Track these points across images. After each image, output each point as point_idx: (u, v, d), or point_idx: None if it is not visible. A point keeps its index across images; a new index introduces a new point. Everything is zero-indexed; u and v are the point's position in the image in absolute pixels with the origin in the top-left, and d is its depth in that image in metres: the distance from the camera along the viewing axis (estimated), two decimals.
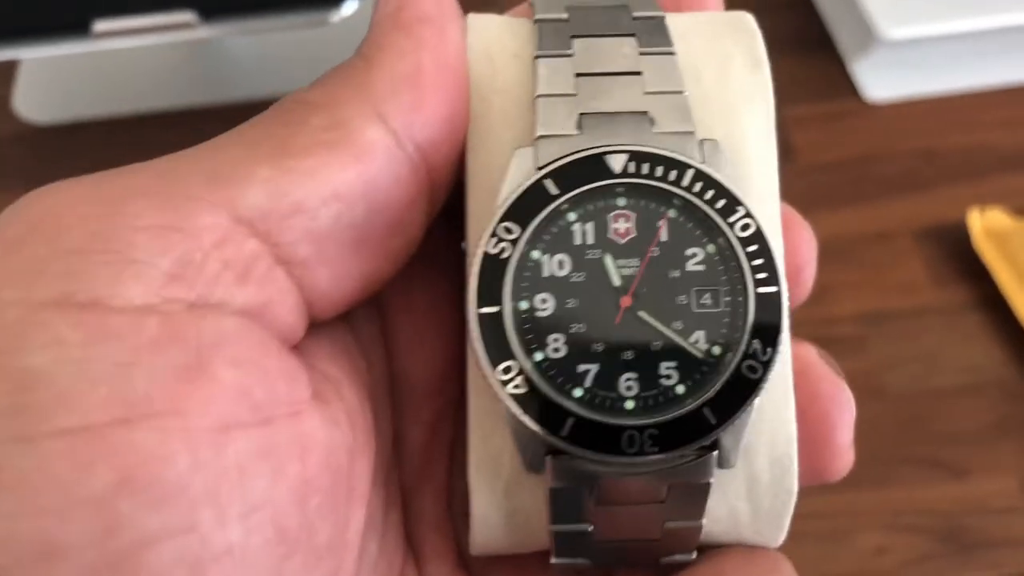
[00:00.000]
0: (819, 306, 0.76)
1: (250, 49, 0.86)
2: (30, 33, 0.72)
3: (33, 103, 0.80)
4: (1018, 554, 0.65)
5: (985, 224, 0.77)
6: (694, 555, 0.35)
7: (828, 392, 0.35)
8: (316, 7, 0.72)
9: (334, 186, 0.31)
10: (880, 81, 0.88)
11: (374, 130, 0.32)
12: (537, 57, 0.35)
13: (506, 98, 0.35)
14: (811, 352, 0.36)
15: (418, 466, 0.38)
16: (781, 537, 0.35)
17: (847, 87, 0.88)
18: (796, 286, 0.37)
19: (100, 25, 0.73)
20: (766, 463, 0.34)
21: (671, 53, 0.35)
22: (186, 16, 0.74)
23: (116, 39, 0.73)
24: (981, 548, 0.65)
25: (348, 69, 0.33)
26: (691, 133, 0.33)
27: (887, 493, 0.67)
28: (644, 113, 0.33)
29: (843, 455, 0.35)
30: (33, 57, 0.77)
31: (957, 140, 0.85)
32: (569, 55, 0.35)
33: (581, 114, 0.33)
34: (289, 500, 0.29)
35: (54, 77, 0.82)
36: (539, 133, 0.33)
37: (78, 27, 0.73)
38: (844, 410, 0.35)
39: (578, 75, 0.34)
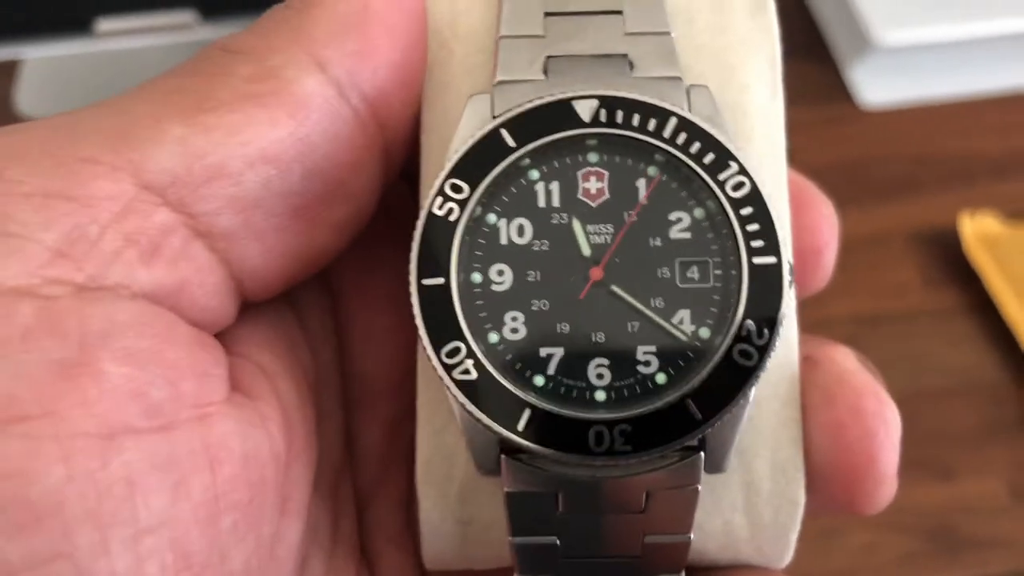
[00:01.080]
0: (812, 307, 0.70)
1: None
2: (33, 32, 0.68)
3: (35, 101, 0.75)
4: (1003, 553, 0.61)
5: (976, 229, 0.73)
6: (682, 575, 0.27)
7: (872, 408, 0.26)
8: None
9: (262, 146, 0.24)
10: (875, 86, 0.83)
11: (311, 80, 0.25)
12: None
13: (468, 44, 0.28)
14: (850, 357, 0.28)
15: (375, 471, 0.30)
16: (787, 556, 0.27)
17: (842, 92, 0.83)
18: (815, 270, 0.30)
19: (103, 24, 0.68)
20: (767, 469, 0.26)
21: None
22: (187, 16, 0.69)
23: (118, 39, 0.69)
24: (967, 547, 0.62)
25: (283, 10, 0.26)
26: (677, 79, 0.26)
27: None
28: (623, 56, 0.26)
29: (886, 483, 0.26)
30: (36, 56, 0.72)
31: (950, 146, 0.83)
32: None
33: (548, 57, 0.26)
34: (194, 520, 0.22)
35: (56, 76, 0.76)
36: (498, 78, 0.26)
37: (80, 26, 0.68)
38: (891, 430, 0.26)
39: (548, 14, 0.27)
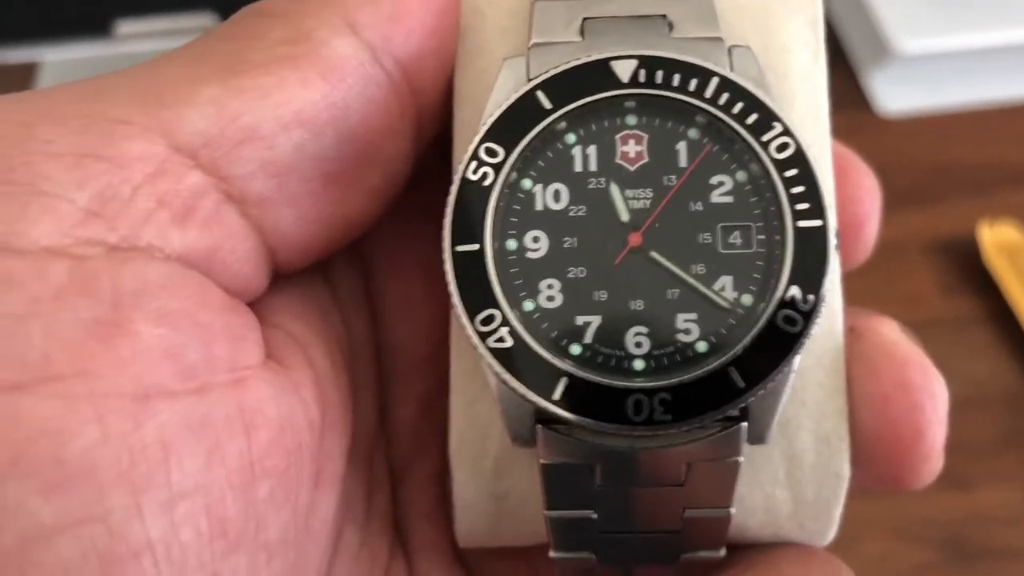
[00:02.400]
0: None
1: None
2: (51, 34, 0.68)
3: None
4: (1020, 564, 0.61)
5: (995, 238, 0.73)
6: (723, 552, 0.26)
7: (919, 381, 0.26)
8: None
9: (295, 109, 0.23)
10: (893, 95, 0.84)
11: (344, 43, 0.24)
12: None
13: (501, 8, 0.27)
14: (894, 329, 0.27)
15: (408, 446, 0.30)
16: (831, 533, 0.26)
17: (860, 100, 0.84)
18: (856, 243, 0.29)
19: (122, 27, 0.68)
20: (810, 441, 0.25)
21: None
22: (206, 19, 0.68)
23: (137, 41, 0.68)
24: (982, 558, 0.61)
25: None
26: (718, 39, 0.25)
27: (891, 502, 0.62)
28: (663, 17, 0.25)
29: (932, 458, 0.26)
30: (54, 59, 0.71)
31: (969, 154, 0.81)
32: None
33: (585, 18, 0.25)
34: (229, 485, 0.22)
35: (75, 78, 0.73)
36: (534, 40, 0.25)
37: (100, 28, 0.68)
38: (938, 403, 0.26)
39: None
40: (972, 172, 0.79)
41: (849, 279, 0.77)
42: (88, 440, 0.19)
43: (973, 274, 0.72)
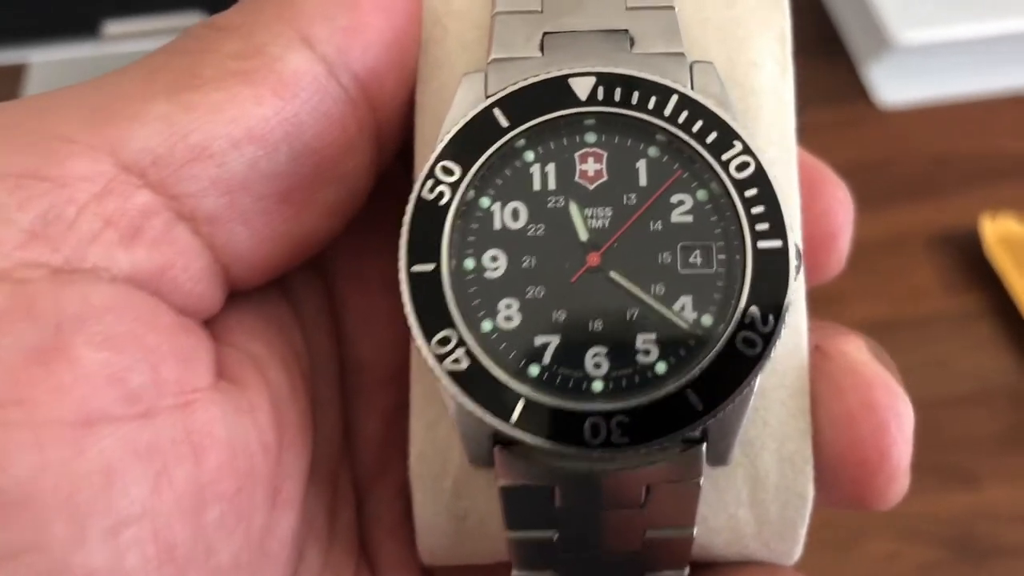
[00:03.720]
0: (828, 313, 0.68)
1: None
2: (39, 35, 0.68)
3: None
4: None
5: (997, 230, 0.73)
6: (686, 572, 0.26)
7: (884, 401, 0.25)
8: None
9: (247, 125, 0.23)
10: (893, 86, 0.81)
11: (298, 58, 0.24)
12: None
13: (464, 21, 0.27)
14: (861, 348, 0.27)
15: (373, 462, 0.29)
16: (796, 552, 0.26)
17: (859, 92, 0.81)
18: (829, 255, 0.29)
19: (110, 27, 0.68)
20: (773, 462, 0.25)
21: None
22: (195, 18, 0.67)
23: (125, 41, 0.68)
24: (991, 556, 0.60)
25: None
26: (680, 55, 0.25)
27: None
28: (624, 32, 0.25)
29: (898, 478, 0.25)
30: (42, 60, 0.71)
31: (970, 146, 0.81)
32: None
33: (546, 33, 0.25)
34: (177, 510, 0.21)
35: (63, 79, 0.73)
36: (493, 56, 0.25)
37: (87, 29, 0.68)
38: (903, 423, 0.25)
39: None
40: (973, 164, 0.79)
41: (850, 275, 0.77)
42: (26, 468, 0.19)
43: (975, 267, 0.71)
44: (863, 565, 0.60)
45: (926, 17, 0.78)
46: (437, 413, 0.26)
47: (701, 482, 0.23)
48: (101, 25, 0.67)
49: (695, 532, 0.24)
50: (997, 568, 0.60)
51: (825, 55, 0.85)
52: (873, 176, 0.78)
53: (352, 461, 0.29)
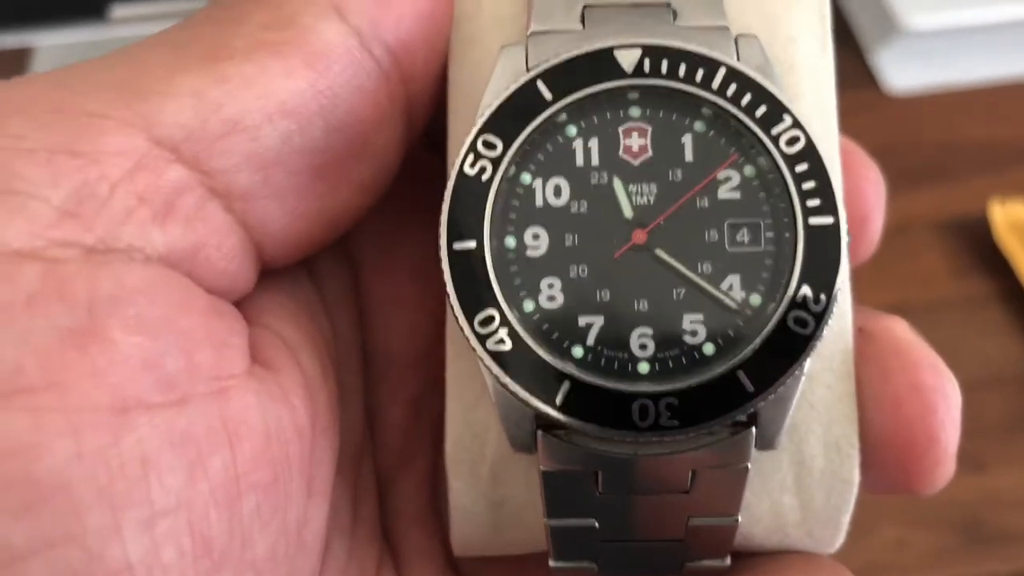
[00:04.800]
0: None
1: None
2: (46, 18, 0.67)
3: None
4: None
5: (1007, 216, 0.72)
6: (727, 562, 0.25)
7: (932, 383, 0.24)
8: None
9: (281, 98, 0.22)
10: (901, 72, 0.81)
11: (331, 28, 0.23)
12: None
13: None
14: (905, 328, 0.26)
15: (397, 450, 0.29)
16: (838, 541, 0.25)
17: (867, 78, 0.80)
18: (861, 238, 0.28)
19: (117, 11, 0.67)
20: (819, 447, 0.25)
21: None
22: (200, 2, 0.66)
23: (132, 25, 0.67)
24: (999, 541, 0.60)
25: None
26: (724, 28, 0.24)
27: None
28: (666, 5, 0.24)
29: (946, 462, 0.25)
30: (49, 43, 0.70)
31: (979, 131, 0.80)
32: None
33: (586, 6, 0.24)
34: (213, 501, 0.21)
35: (69, 62, 0.73)
36: (533, 29, 0.24)
37: (94, 12, 0.67)
38: (951, 405, 0.25)
39: None
40: (982, 150, 0.78)
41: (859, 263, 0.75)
42: (62, 456, 0.18)
43: (984, 253, 0.71)
44: (872, 551, 0.59)
45: (934, 3, 0.77)
46: (475, 396, 0.25)
47: (749, 467, 0.23)
48: (108, 8, 0.66)
49: (739, 520, 0.24)
50: (1005, 553, 0.59)
51: (833, 41, 0.83)
52: (881, 162, 0.75)
53: (375, 450, 0.29)
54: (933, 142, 0.78)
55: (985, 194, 0.72)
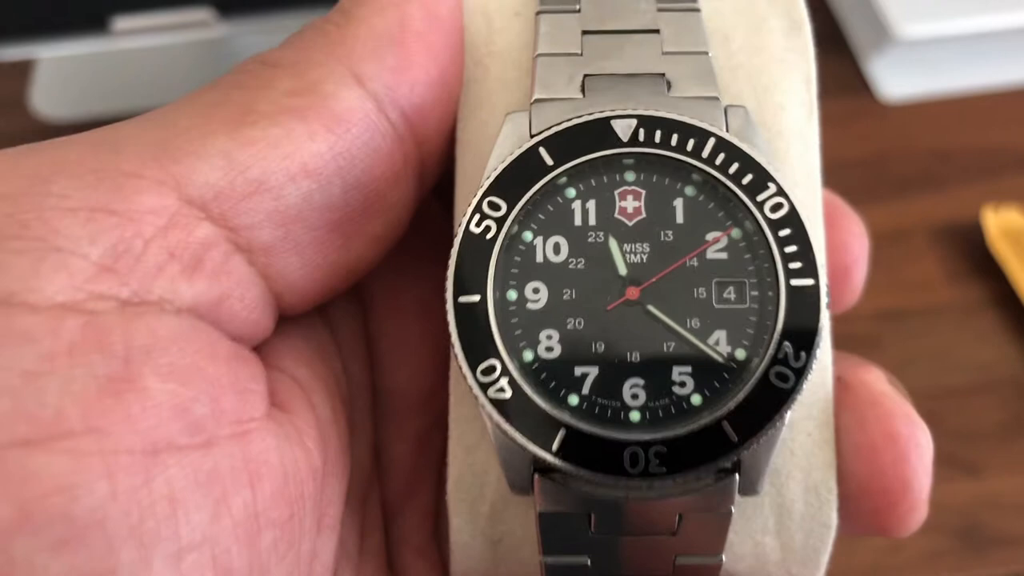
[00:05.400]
0: (832, 306, 0.68)
1: (266, 47, 0.79)
2: (48, 31, 0.67)
3: (51, 100, 0.74)
4: None
5: (1000, 223, 0.71)
6: None
7: (905, 432, 0.26)
8: (333, 5, 0.64)
9: (303, 160, 0.24)
10: (895, 80, 0.81)
11: (351, 94, 0.25)
12: (539, 13, 0.27)
13: (505, 61, 0.28)
14: (881, 379, 0.27)
15: (402, 485, 0.30)
16: None
17: (861, 86, 0.81)
18: (844, 287, 0.29)
19: (119, 23, 0.67)
20: (799, 491, 0.26)
21: (695, 9, 0.27)
22: (204, 14, 0.68)
23: (134, 37, 0.68)
24: (994, 545, 0.60)
25: (322, 24, 0.26)
26: (715, 98, 0.25)
27: None
28: (661, 75, 0.26)
29: (919, 508, 0.26)
30: (51, 55, 0.71)
31: (972, 139, 0.79)
32: (576, 10, 0.27)
33: (586, 75, 0.26)
34: (235, 537, 0.22)
35: (72, 74, 0.75)
36: (536, 96, 0.26)
37: (96, 24, 0.67)
38: (923, 453, 0.26)
39: (585, 32, 0.27)
40: (975, 157, 0.79)
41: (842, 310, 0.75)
42: (98, 496, 0.19)
43: (978, 259, 0.71)
44: (867, 555, 0.60)
45: (928, 11, 0.78)
46: (476, 438, 0.27)
47: (733, 511, 0.24)
48: (110, 20, 0.67)
49: (723, 559, 0.25)
50: (1000, 557, 0.59)
51: (827, 49, 0.82)
52: (875, 169, 0.78)
53: (381, 484, 0.30)
54: (927, 149, 0.79)
55: (978, 201, 0.73)
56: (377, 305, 0.31)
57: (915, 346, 0.68)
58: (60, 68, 0.73)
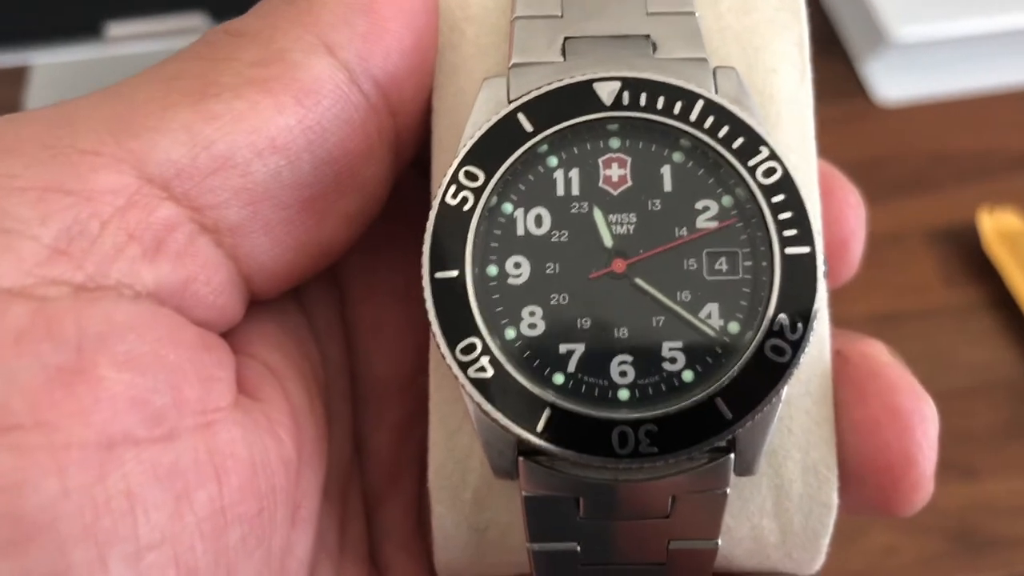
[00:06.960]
0: (830, 307, 0.68)
1: None
2: (42, 37, 0.67)
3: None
4: None
5: (995, 225, 0.72)
6: None
7: (909, 405, 0.25)
8: None
9: (270, 135, 0.22)
10: (890, 82, 0.80)
11: (320, 63, 0.23)
12: None
13: (481, 25, 0.26)
14: (883, 351, 0.26)
15: (384, 475, 0.29)
16: (818, 563, 0.25)
17: (857, 88, 0.80)
18: (841, 261, 0.28)
19: (113, 29, 0.67)
20: (798, 471, 0.25)
21: None
22: (197, 20, 0.67)
23: (128, 43, 0.67)
24: (990, 547, 0.60)
25: None
26: (703, 59, 0.24)
27: None
28: (645, 37, 0.24)
29: (924, 485, 0.25)
30: (45, 62, 0.70)
31: (968, 141, 0.80)
32: None
33: (567, 38, 0.24)
34: (199, 534, 0.21)
35: (66, 81, 0.73)
36: (514, 61, 0.24)
37: (90, 31, 0.67)
38: (929, 427, 0.25)
39: None
40: (971, 159, 0.78)
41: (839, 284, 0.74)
42: (48, 494, 0.18)
43: (974, 262, 0.71)
44: (862, 558, 0.59)
45: (923, 14, 0.77)
46: (457, 422, 0.25)
47: (728, 492, 0.23)
48: (104, 27, 0.66)
49: (720, 543, 0.24)
50: (995, 560, 0.59)
51: (823, 52, 0.82)
52: (872, 172, 0.77)
53: (362, 475, 0.29)
54: (922, 152, 0.78)
55: (974, 203, 0.73)
56: (355, 288, 0.29)
57: (911, 349, 0.70)
58: (54, 74, 0.73)
